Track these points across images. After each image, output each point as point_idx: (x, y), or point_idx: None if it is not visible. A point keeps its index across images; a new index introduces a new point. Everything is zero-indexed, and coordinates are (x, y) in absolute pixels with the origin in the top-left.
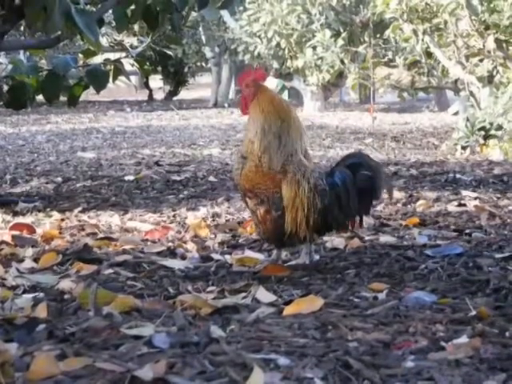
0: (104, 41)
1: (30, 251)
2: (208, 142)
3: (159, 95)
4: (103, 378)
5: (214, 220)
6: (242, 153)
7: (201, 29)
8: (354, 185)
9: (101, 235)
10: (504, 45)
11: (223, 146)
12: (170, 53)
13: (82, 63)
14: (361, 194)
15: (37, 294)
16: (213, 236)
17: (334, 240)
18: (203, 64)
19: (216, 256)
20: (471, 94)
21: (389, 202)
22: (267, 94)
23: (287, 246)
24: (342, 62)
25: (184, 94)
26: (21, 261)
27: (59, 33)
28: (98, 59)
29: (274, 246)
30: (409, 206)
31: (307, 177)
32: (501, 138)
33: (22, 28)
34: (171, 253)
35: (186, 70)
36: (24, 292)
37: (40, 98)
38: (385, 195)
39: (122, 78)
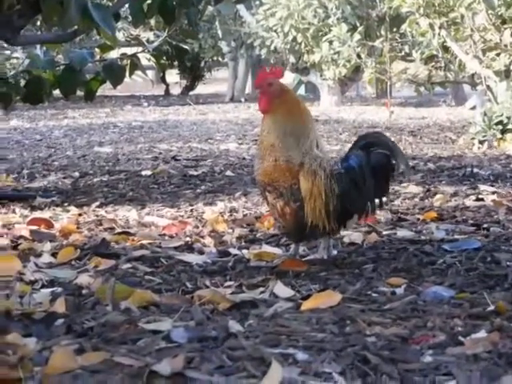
0: (120, 35)
1: (48, 246)
2: (225, 136)
3: (176, 90)
4: (121, 372)
5: (231, 215)
6: (261, 155)
7: (217, 23)
8: (369, 164)
9: (118, 230)
10: None
11: (240, 141)
12: (186, 47)
13: (98, 58)
14: (377, 172)
15: (55, 288)
16: (230, 231)
17: (352, 235)
18: (220, 58)
19: (234, 251)
20: (488, 88)
21: (406, 197)
22: (291, 95)
23: (309, 238)
24: (359, 56)
25: (201, 89)
26: (39, 255)
27: (76, 27)
28: (114, 54)
29: (293, 240)
30: (426, 201)
31: (323, 166)
32: None
33: (38, 22)
34: (189, 247)
35: (202, 64)
36: (42, 287)
37: (57, 92)
38: (403, 172)
39: (139, 72)
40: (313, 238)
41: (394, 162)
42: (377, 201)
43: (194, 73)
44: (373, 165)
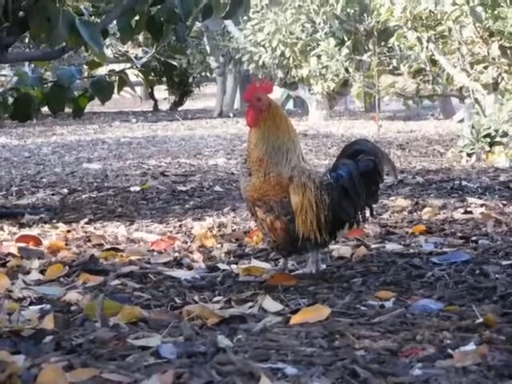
0: (108, 52)
1: (36, 263)
2: (213, 151)
3: (164, 106)
4: None
5: (220, 230)
6: (249, 170)
7: (205, 39)
8: (358, 171)
9: (107, 246)
10: (508, 52)
11: (229, 156)
12: (174, 63)
13: (86, 74)
14: (366, 178)
15: (43, 305)
16: (219, 246)
17: (341, 249)
18: (208, 74)
19: (222, 266)
20: (476, 101)
21: (395, 210)
22: (279, 110)
23: (300, 251)
24: (347, 70)
25: (189, 104)
26: (27, 273)
27: (63, 44)
28: (102, 70)
29: (283, 254)
30: (415, 214)
31: (312, 178)
32: (506, 144)
33: (26, 40)
34: (177, 263)
35: (190, 80)
36: (31, 304)
37: (45, 109)
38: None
39: (127, 88)
40: (304, 250)
41: (380, 167)
42: (367, 208)
43: (182, 88)
44: (361, 171)
